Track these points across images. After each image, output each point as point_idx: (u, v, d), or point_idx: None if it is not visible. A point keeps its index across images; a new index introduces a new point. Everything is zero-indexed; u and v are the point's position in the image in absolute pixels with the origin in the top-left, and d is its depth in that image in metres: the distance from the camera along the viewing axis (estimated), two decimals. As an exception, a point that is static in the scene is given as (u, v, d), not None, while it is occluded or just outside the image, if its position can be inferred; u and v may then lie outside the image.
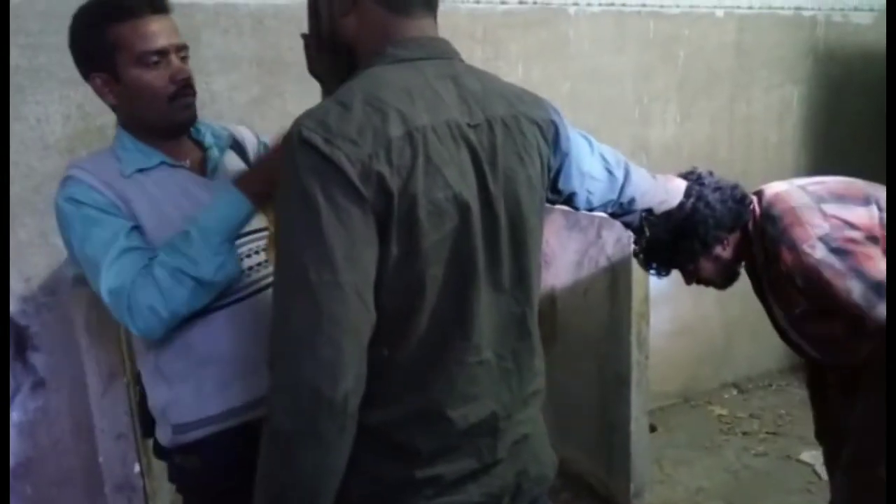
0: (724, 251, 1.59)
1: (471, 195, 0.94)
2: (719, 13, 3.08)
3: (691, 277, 1.66)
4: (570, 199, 1.25)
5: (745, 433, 3.07)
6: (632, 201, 1.38)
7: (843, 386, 1.77)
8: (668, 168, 1.61)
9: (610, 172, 1.29)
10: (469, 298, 0.96)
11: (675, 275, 1.69)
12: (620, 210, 1.40)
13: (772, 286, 1.62)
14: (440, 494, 0.98)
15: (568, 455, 2.44)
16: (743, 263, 1.67)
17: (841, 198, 1.50)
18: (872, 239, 1.45)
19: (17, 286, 2.02)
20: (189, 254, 1.17)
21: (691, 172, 1.57)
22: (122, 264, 1.17)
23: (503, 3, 2.64)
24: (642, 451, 2.36)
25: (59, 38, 2.03)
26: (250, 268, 1.32)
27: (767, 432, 3.06)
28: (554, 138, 1.10)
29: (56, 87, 2.00)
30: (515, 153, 1.00)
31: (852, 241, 1.42)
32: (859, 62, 3.42)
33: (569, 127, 1.14)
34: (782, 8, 3.22)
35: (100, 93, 1.27)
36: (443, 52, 1.01)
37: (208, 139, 1.37)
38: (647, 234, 1.48)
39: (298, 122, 0.88)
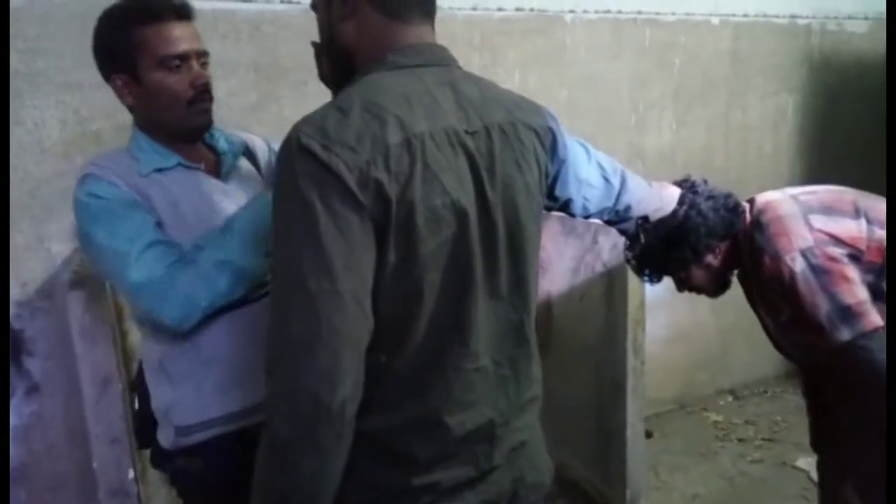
0: (715, 259, 1.60)
1: (468, 202, 0.94)
2: (715, 21, 3.10)
3: (683, 285, 1.67)
4: (566, 206, 1.26)
5: (740, 440, 3.08)
6: (628, 209, 1.38)
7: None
8: (663, 175, 1.62)
9: (606, 180, 1.30)
10: (467, 305, 0.96)
11: (671, 281, 1.69)
12: (616, 217, 1.40)
13: (760, 293, 1.63)
14: (437, 501, 0.98)
15: (564, 461, 2.44)
16: (735, 272, 1.68)
17: (830, 210, 1.52)
18: (856, 254, 1.47)
19: (13, 290, 2.02)
20: (231, 246, 1.20)
21: (685, 180, 1.58)
22: (152, 256, 1.18)
23: (500, 10, 2.65)
24: (638, 457, 2.36)
25: (57, 43, 2.04)
26: None
27: (763, 439, 3.07)
28: (551, 145, 1.10)
29: (53, 92, 2.00)
30: (513, 160, 1.00)
31: (833, 259, 1.45)
32: (854, 70, 3.44)
33: (566, 134, 1.15)
34: (777, 16, 3.24)
35: (119, 94, 1.29)
36: (441, 59, 1.02)
37: (222, 144, 1.38)
38: (643, 241, 1.49)
39: (297, 129, 0.88)
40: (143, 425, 1.40)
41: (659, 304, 2.80)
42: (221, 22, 2.18)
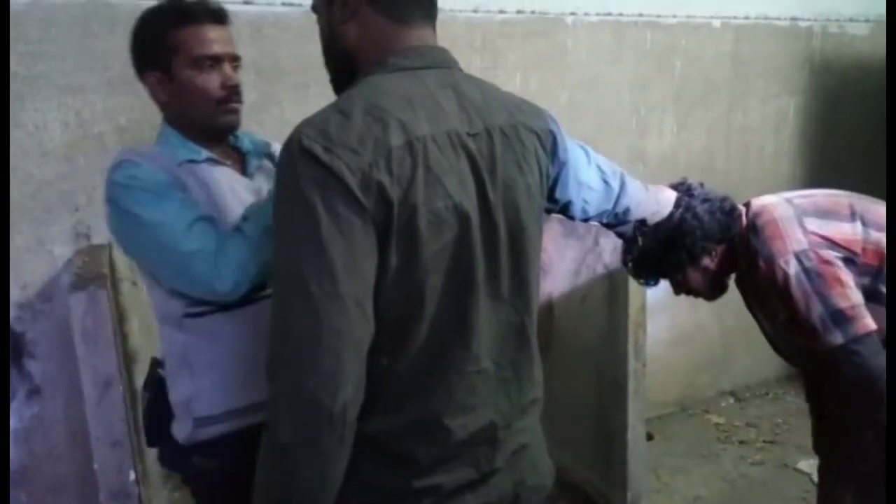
0: (712, 262, 1.60)
1: (470, 204, 0.94)
2: (716, 23, 3.10)
3: (680, 288, 1.67)
4: (566, 209, 1.26)
5: (742, 442, 3.07)
6: (626, 211, 1.38)
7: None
8: (664, 178, 1.62)
9: (606, 182, 1.30)
10: (468, 308, 0.96)
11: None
12: (615, 220, 1.40)
13: (756, 296, 1.63)
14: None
15: (565, 463, 2.44)
16: (732, 275, 1.68)
17: (825, 213, 1.52)
18: (851, 257, 1.47)
19: (13, 293, 2.02)
20: None
21: (681, 183, 1.58)
22: (200, 229, 1.21)
23: (501, 12, 2.65)
24: (639, 459, 2.36)
25: (59, 46, 2.05)
26: None
27: (764, 441, 3.06)
28: (552, 148, 1.10)
29: (55, 95, 2.00)
30: (514, 162, 1.01)
31: (827, 262, 1.45)
32: (855, 73, 3.44)
33: (566, 137, 1.15)
34: (779, 19, 3.24)
35: (152, 90, 1.33)
36: (443, 62, 1.02)
37: (246, 145, 1.43)
38: (640, 244, 1.49)
39: (298, 131, 0.88)
40: (153, 421, 1.40)
41: (660, 306, 2.79)
42: (222, 24, 2.18)
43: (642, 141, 3.04)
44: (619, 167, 1.36)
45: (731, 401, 3.46)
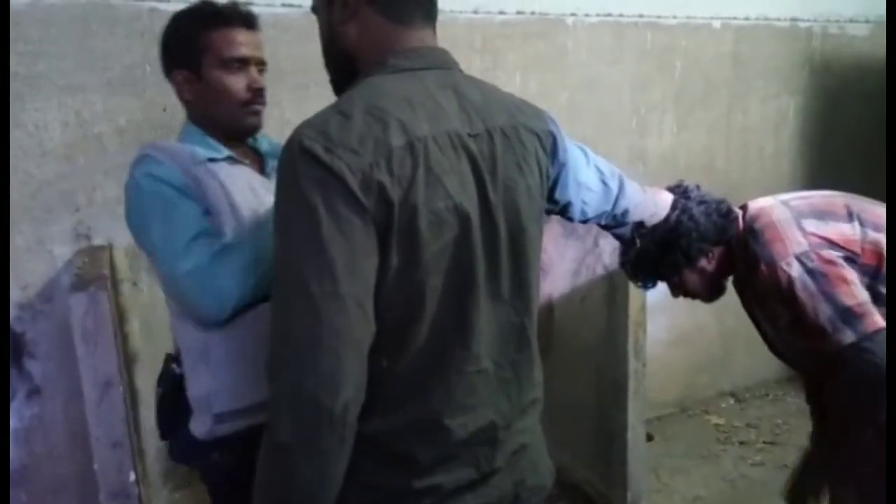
0: (708, 264, 1.60)
1: (471, 205, 0.94)
2: (716, 24, 3.10)
3: (677, 290, 1.67)
4: (565, 210, 1.26)
5: (741, 442, 3.08)
6: (625, 213, 1.38)
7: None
8: (664, 178, 1.62)
9: (605, 184, 1.30)
10: (468, 308, 0.96)
11: (670, 285, 1.69)
12: (614, 222, 1.40)
13: (756, 299, 1.63)
14: (438, 504, 0.98)
15: (565, 464, 2.44)
16: (730, 277, 1.68)
17: (823, 214, 1.52)
18: (851, 257, 1.47)
19: (13, 293, 2.02)
20: (265, 245, 1.20)
21: (678, 185, 1.59)
22: (198, 246, 1.22)
23: (501, 13, 2.65)
24: (639, 459, 2.36)
25: (59, 46, 2.05)
26: None
27: (764, 442, 3.06)
28: (552, 148, 1.10)
29: (55, 95, 2.01)
30: (515, 163, 1.01)
31: (829, 262, 1.44)
32: (855, 73, 3.45)
33: (565, 138, 1.15)
34: (779, 19, 3.24)
35: (179, 88, 1.36)
36: (443, 62, 1.02)
37: (265, 146, 1.45)
38: (638, 245, 1.49)
39: (299, 131, 0.88)
40: (166, 416, 1.40)
41: (660, 307, 2.79)
42: (223, 25, 2.18)
43: (642, 141, 3.04)
44: (618, 168, 1.36)
45: (731, 401, 3.46)
